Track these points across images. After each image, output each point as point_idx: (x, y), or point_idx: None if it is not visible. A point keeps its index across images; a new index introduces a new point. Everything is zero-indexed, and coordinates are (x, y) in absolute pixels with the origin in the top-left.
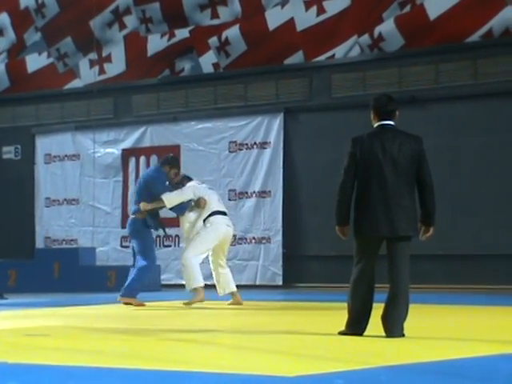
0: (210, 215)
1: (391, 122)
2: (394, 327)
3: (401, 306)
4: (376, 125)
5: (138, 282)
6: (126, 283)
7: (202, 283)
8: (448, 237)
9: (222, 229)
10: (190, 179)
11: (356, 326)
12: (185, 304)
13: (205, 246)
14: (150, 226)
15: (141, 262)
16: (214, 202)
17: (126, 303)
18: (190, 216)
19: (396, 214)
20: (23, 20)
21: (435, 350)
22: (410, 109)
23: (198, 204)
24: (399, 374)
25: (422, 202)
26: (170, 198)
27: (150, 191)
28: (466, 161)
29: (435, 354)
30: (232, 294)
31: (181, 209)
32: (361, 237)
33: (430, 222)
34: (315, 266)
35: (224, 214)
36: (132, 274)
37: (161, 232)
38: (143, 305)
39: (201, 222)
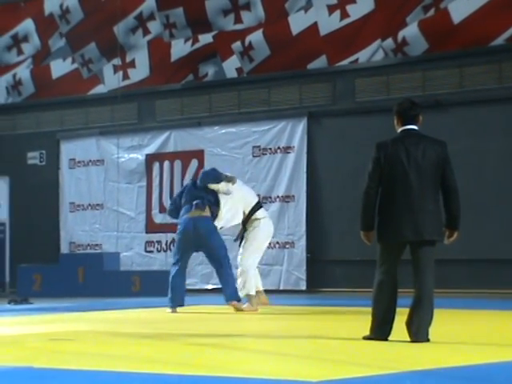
0: (257, 207)
1: (415, 127)
2: (418, 332)
3: (425, 310)
4: (400, 130)
5: (235, 285)
6: (228, 289)
7: (254, 292)
8: (472, 241)
9: (271, 230)
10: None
11: (380, 330)
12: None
13: (261, 251)
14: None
15: (225, 267)
16: (253, 193)
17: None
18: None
19: (421, 219)
20: (48, 26)
21: (461, 355)
22: (435, 113)
23: (230, 179)
24: (424, 379)
25: (447, 207)
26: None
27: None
28: (490, 165)
29: (461, 359)
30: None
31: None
32: (385, 241)
33: (455, 226)
34: (339, 271)
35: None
36: (224, 280)
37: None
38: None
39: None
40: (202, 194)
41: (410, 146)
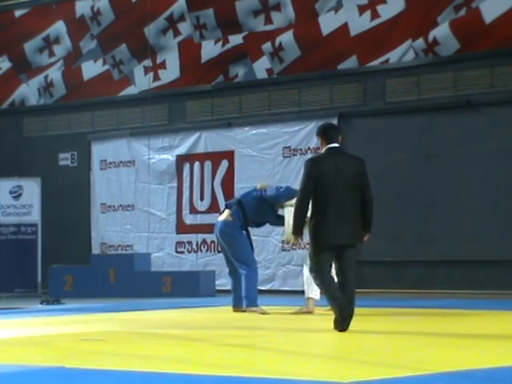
0: None
1: (337, 145)
2: (348, 323)
3: (353, 304)
4: (324, 148)
5: (252, 289)
6: (243, 294)
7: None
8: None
9: None
10: None
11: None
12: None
13: None
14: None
15: (242, 271)
16: None
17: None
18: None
19: (346, 225)
20: (79, 28)
21: (492, 356)
22: (466, 113)
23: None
24: (455, 380)
25: (363, 213)
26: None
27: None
28: None
29: (492, 360)
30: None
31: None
32: (318, 244)
33: (369, 229)
34: (369, 271)
35: None
36: (241, 285)
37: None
38: (267, 313)
39: None
40: (254, 203)
41: (338, 162)
